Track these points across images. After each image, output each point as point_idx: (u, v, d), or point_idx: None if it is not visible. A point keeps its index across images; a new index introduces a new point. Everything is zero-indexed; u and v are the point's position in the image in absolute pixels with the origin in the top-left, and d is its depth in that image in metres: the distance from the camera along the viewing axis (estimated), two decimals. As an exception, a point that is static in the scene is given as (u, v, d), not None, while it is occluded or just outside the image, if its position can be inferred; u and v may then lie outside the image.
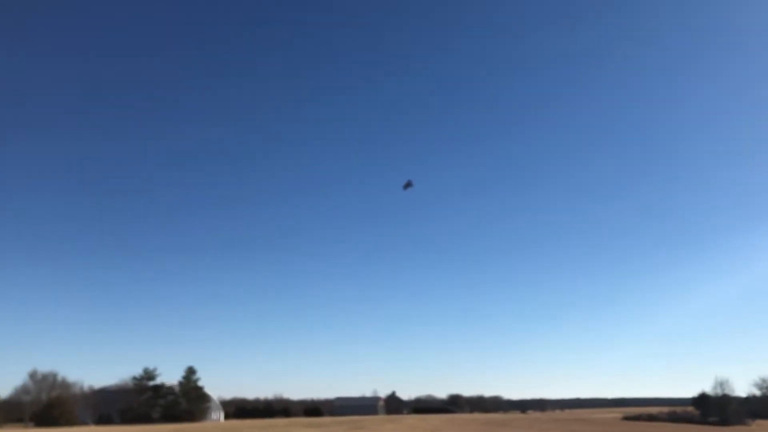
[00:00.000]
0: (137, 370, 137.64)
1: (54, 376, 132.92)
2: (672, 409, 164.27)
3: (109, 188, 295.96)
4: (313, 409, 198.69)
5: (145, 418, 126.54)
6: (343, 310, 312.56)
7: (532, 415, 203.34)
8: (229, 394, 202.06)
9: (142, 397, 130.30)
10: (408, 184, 62.92)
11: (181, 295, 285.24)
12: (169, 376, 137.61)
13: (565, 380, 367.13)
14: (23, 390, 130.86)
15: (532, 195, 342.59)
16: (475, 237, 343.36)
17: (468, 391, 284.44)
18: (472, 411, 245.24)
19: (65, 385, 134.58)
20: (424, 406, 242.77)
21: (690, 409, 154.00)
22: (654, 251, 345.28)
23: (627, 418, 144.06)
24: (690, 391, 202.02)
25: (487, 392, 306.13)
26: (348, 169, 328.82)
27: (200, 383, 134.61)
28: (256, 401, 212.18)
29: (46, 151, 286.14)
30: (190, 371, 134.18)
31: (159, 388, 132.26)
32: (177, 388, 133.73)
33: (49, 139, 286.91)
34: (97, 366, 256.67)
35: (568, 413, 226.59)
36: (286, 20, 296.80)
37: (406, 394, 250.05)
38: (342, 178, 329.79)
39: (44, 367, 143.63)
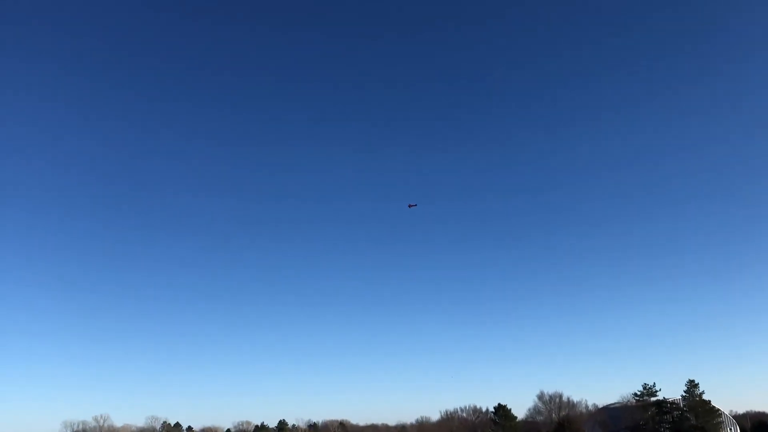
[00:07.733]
0: (635, 387, 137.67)
1: (559, 396, 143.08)
2: None
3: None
4: None
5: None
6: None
7: None
8: (741, 408, 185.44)
9: (647, 414, 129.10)
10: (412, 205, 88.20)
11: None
12: (670, 391, 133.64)
13: None
14: (535, 411, 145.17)
15: None
16: None
17: None
18: None
19: (571, 404, 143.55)
20: None
21: None
22: None
23: None
24: None
25: None
26: None
27: (705, 396, 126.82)
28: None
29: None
30: (692, 384, 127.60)
31: (662, 404, 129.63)
32: (681, 403, 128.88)
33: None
34: (595, 384, 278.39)
35: None
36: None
37: None
38: None
39: (549, 388, 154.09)
